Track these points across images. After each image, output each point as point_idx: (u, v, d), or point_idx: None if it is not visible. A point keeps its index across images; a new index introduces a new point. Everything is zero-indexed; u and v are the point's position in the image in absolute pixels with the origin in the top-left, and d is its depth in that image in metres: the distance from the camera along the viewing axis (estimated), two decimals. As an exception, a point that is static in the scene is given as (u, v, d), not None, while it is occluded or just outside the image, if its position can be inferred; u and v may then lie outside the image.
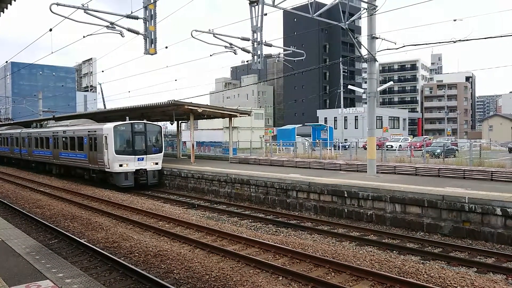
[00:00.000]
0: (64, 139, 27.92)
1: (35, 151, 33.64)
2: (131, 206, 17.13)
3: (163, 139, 24.77)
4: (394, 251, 10.87)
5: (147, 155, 23.00)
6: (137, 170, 22.61)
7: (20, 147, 37.15)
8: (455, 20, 16.96)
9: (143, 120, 24.39)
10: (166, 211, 16.10)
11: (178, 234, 12.35)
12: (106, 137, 22.14)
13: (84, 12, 13.48)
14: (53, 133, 29.87)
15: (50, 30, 15.79)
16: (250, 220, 14.54)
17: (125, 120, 23.69)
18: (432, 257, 10.30)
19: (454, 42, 15.32)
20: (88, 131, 24.55)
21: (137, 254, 10.28)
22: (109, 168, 22.22)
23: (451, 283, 8.03)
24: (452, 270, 8.95)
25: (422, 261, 9.92)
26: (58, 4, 13.21)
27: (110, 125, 22.39)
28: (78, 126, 27.53)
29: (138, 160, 22.58)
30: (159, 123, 28.33)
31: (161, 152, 24.04)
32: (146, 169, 22.89)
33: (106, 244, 11.33)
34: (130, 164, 22.35)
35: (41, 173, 32.12)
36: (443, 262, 9.91)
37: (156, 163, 23.54)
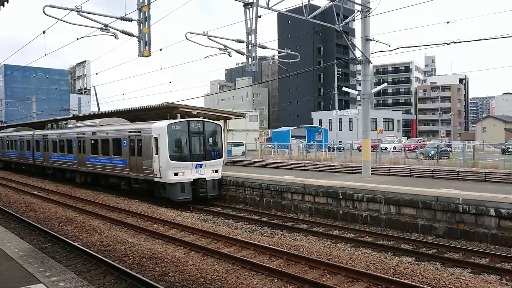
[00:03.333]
0: (93, 141, 23.46)
1: (53, 156, 28.74)
2: (125, 209, 17.06)
3: (223, 140, 20.41)
4: (389, 253, 10.88)
5: (206, 161, 18.54)
6: (195, 180, 18.12)
7: (33, 151, 32.23)
8: (448, 22, 17.09)
9: (199, 118, 20.24)
10: (160, 214, 16.05)
11: (172, 236, 12.30)
12: (156, 138, 17.83)
13: (78, 14, 13.41)
14: (77, 134, 25.25)
15: (44, 32, 15.71)
16: (245, 223, 14.52)
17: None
18: (427, 258, 10.33)
19: (447, 44, 15.43)
20: (129, 132, 20.11)
21: (131, 257, 10.23)
22: (160, 177, 17.75)
23: (445, 284, 8.05)
24: (447, 271, 8.99)
25: (417, 262, 9.95)
26: (51, 6, 13.14)
27: (162, 124, 18.15)
28: (112, 126, 22.84)
29: (196, 167, 18.17)
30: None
31: (222, 157, 19.74)
32: (205, 178, 18.41)
33: (100, 247, 11.26)
34: (187, 172, 17.86)
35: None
36: (437, 263, 9.94)
37: (216, 171, 19.14)
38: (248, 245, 11.20)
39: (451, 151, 32.92)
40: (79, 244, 11.26)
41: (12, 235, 10.45)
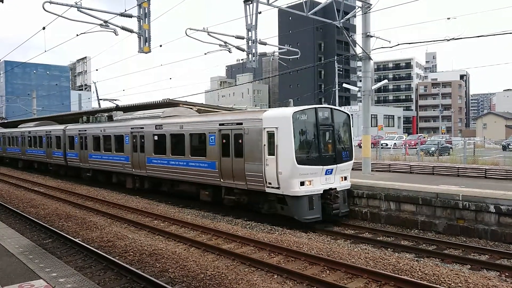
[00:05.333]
0: (157, 137, 18.61)
1: (93, 156, 23.68)
2: (126, 205, 17.09)
3: (352, 136, 15.06)
4: (389, 249, 10.90)
5: (337, 165, 13.64)
6: (325, 192, 13.24)
7: (65, 150, 26.96)
8: (448, 18, 17.06)
9: (326, 105, 15.59)
10: (161, 210, 16.07)
11: (173, 233, 12.33)
12: (271, 133, 13.10)
13: (78, 10, 13.40)
14: (132, 129, 20.31)
15: (43, 28, 15.71)
16: (245, 219, 14.55)
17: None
18: (426, 255, 10.35)
19: (448, 40, 15.40)
20: (221, 124, 15.08)
21: (132, 253, 10.26)
22: (277, 187, 12.91)
23: (445, 280, 8.07)
24: (446, 267, 9.00)
25: (416, 258, 9.96)
26: (51, 2, 13.14)
27: (283, 112, 13.36)
28: (187, 118, 17.73)
29: (325, 173, 13.30)
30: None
31: (352, 159, 14.61)
32: (336, 188, 13.49)
33: (100, 243, 11.30)
34: (316, 180, 13.02)
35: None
36: (437, 260, 9.95)
37: (345, 178, 14.19)
38: (248, 241, 11.23)
39: (451, 147, 32.95)
40: (79, 240, 11.29)
41: (12, 231, 10.49)
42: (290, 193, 12.67)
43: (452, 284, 7.90)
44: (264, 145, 13.23)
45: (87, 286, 6.33)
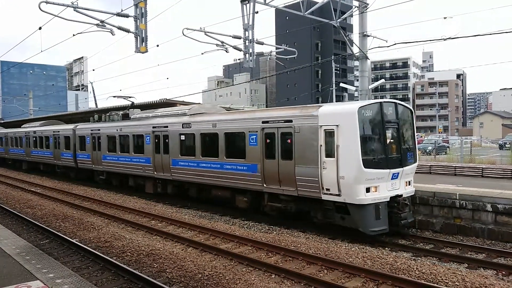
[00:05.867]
0: (183, 137, 16.93)
1: (108, 157, 21.84)
2: (123, 206, 17.05)
3: (415, 134, 13.35)
4: (386, 248, 10.92)
5: (403, 168, 12.01)
6: (391, 199, 11.58)
7: (75, 151, 25.18)
8: (445, 18, 17.10)
9: (390, 99, 13.39)
10: (158, 210, 16.05)
11: (170, 233, 12.31)
12: (330, 132, 11.48)
13: (74, 10, 13.36)
14: (154, 127, 18.53)
15: (40, 28, 15.65)
16: (243, 219, 14.55)
17: None
18: (423, 254, 10.37)
19: (445, 39, 15.45)
20: (264, 122, 13.48)
21: (129, 254, 10.24)
22: (337, 194, 11.29)
23: (442, 279, 8.10)
24: (444, 266, 9.03)
25: (414, 257, 9.98)
26: (47, 2, 13.09)
27: (346, 108, 11.91)
28: (219, 115, 16.02)
29: (392, 178, 11.69)
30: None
31: (417, 161, 12.96)
32: (401, 195, 11.81)
33: (98, 243, 11.27)
34: (382, 186, 11.41)
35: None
36: (434, 258, 9.98)
37: (409, 183, 12.48)
38: (245, 241, 11.23)
39: (448, 146, 33.04)
40: (76, 241, 11.26)
41: (9, 232, 10.46)
42: (355, 201, 10.97)
43: (450, 283, 7.92)
44: (321, 145, 11.61)
45: (84, 287, 6.32)
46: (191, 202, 17.37)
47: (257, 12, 15.86)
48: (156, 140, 18.28)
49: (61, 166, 27.69)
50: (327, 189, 11.51)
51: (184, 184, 17.40)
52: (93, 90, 55.42)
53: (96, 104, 53.39)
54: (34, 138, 31.31)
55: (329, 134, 11.49)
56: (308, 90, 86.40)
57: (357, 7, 17.94)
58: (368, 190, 11.05)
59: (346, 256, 9.69)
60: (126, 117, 22.02)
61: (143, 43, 13.99)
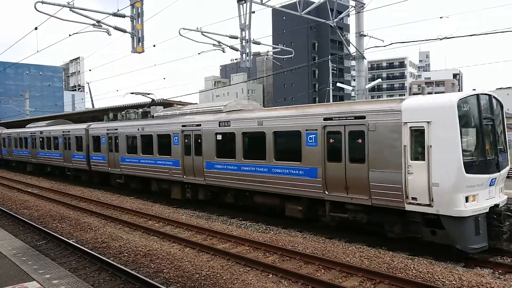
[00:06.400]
0: (220, 136, 15.23)
1: (127, 159, 19.96)
2: (120, 206, 17.01)
3: (506, 132, 11.65)
4: (383, 247, 10.92)
5: (500, 171, 10.45)
6: (490, 210, 9.91)
7: (87, 152, 23.37)
8: (441, 18, 17.15)
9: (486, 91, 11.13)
10: (155, 211, 16.03)
11: (167, 233, 12.30)
12: (420, 130, 9.88)
13: (70, 10, 13.33)
14: (182, 126, 16.68)
15: (36, 28, 15.61)
16: (240, 219, 14.54)
17: None
18: (420, 252, 10.37)
19: (441, 39, 15.51)
20: (326, 119, 11.76)
21: (126, 254, 10.22)
22: (429, 205, 9.63)
23: (439, 278, 8.12)
24: (440, 265, 9.05)
25: (411, 256, 10.00)
26: (43, 2, 13.05)
27: (442, 99, 10.15)
28: (279, 110, 13.90)
29: (490, 184, 10.06)
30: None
31: (509, 164, 11.50)
32: (498, 204, 10.22)
33: (95, 244, 11.25)
34: (481, 194, 9.77)
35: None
36: (431, 257, 9.99)
37: (501, 189, 10.87)
38: (243, 241, 11.23)
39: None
40: (73, 242, 11.23)
41: (5, 233, 10.43)
42: (452, 212, 9.30)
43: (446, 281, 7.95)
44: (405, 146, 9.94)
45: (81, 287, 6.30)
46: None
47: (253, 12, 15.87)
48: (186, 141, 16.46)
49: (71, 168, 25.86)
50: (414, 198, 9.83)
51: (220, 190, 15.51)
52: (90, 91, 55.37)
53: (92, 104, 53.35)
54: (41, 139, 29.55)
55: (418, 133, 9.83)
56: (305, 90, 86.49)
57: (354, 7, 17.98)
58: (467, 199, 9.45)
59: (343, 256, 9.70)
60: (145, 115, 20.60)
61: (140, 43, 13.97)
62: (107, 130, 21.64)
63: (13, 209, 17.02)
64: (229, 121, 14.74)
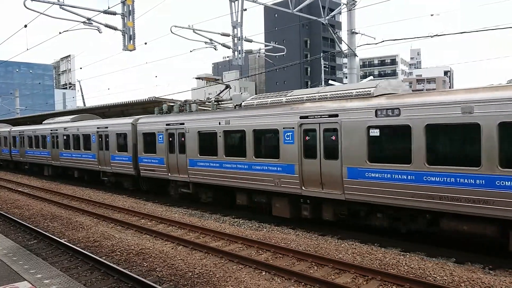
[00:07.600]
0: (376, 131, 10.34)
1: (202, 163, 15.35)
2: (112, 205, 16.93)
3: None
4: (376, 244, 10.99)
5: None
6: None
7: (135, 153, 19.02)
8: (432, 15, 17.25)
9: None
10: (148, 209, 15.97)
11: (160, 231, 12.26)
12: None
13: (60, 7, 13.21)
14: (302, 118, 11.98)
15: (25, 26, 15.45)
16: (233, 216, 14.53)
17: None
18: (412, 249, 10.45)
19: (431, 37, 15.59)
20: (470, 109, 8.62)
21: (119, 253, 10.18)
22: None
23: (431, 273, 8.19)
24: (432, 261, 9.12)
25: (402, 253, 10.07)
26: (32, 0, 12.92)
27: None
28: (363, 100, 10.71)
29: None
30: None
31: None
32: None
33: (87, 243, 11.19)
34: None
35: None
36: (423, 253, 10.07)
37: None
38: (236, 239, 11.23)
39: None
40: (65, 241, 11.16)
41: (-4, 233, 10.32)
42: None
43: (438, 277, 8.02)
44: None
45: (72, 287, 6.27)
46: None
47: (245, 10, 15.86)
48: (307, 138, 11.95)
49: (110, 173, 21.23)
50: None
51: (362, 209, 11.22)
52: (81, 89, 54.96)
53: (84, 102, 52.92)
54: (65, 137, 24.65)
55: None
56: (297, 87, 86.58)
57: (345, 5, 18.02)
58: None
59: (336, 253, 9.74)
60: (219, 106, 17.02)
61: (131, 41, 13.89)
62: (167, 125, 17.01)
63: (3, 208, 16.86)
64: (398, 107, 9.99)
